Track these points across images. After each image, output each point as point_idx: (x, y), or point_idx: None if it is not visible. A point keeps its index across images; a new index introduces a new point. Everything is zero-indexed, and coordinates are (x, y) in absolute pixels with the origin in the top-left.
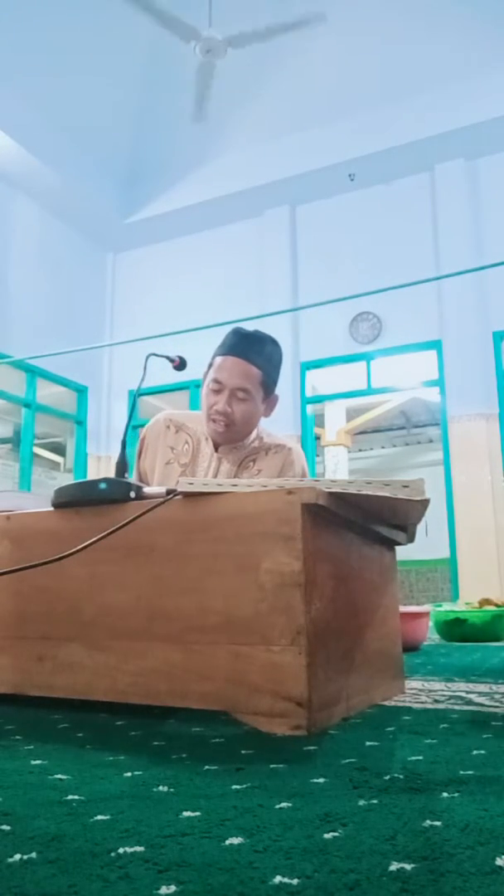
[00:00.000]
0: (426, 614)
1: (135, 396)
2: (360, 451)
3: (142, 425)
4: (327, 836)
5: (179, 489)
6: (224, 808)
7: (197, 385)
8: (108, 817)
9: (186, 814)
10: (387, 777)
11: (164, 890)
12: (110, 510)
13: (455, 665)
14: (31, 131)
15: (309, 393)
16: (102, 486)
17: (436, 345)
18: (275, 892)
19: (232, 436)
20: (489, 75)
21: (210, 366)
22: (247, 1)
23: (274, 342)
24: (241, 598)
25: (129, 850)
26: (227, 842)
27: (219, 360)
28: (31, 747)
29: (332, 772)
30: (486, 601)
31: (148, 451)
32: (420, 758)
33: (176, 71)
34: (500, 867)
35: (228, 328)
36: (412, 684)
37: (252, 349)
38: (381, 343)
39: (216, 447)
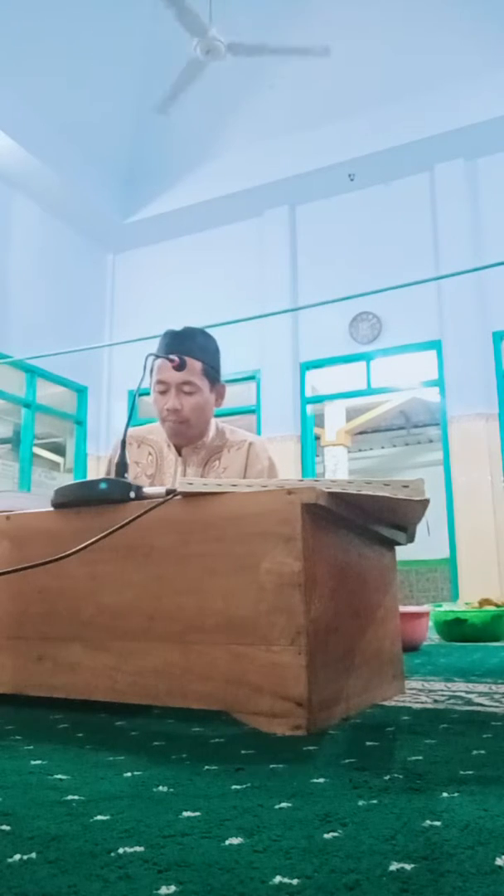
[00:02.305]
0: (426, 614)
1: (135, 396)
2: (360, 451)
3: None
4: (327, 836)
5: (179, 489)
6: (224, 808)
7: None
8: (108, 817)
9: (186, 814)
10: (387, 777)
11: (164, 890)
12: (110, 510)
13: (455, 665)
14: (31, 131)
15: (309, 393)
16: (102, 486)
17: (435, 345)
18: (275, 892)
19: (188, 431)
20: (489, 75)
21: (151, 372)
22: (248, 1)
23: (205, 334)
24: (241, 598)
25: (129, 850)
26: (227, 842)
27: (158, 362)
28: (31, 747)
29: (332, 772)
30: (486, 601)
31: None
32: (420, 758)
33: (176, 71)
34: (500, 867)
35: (228, 328)
36: (412, 684)
37: (186, 344)
38: (381, 343)
39: (179, 451)
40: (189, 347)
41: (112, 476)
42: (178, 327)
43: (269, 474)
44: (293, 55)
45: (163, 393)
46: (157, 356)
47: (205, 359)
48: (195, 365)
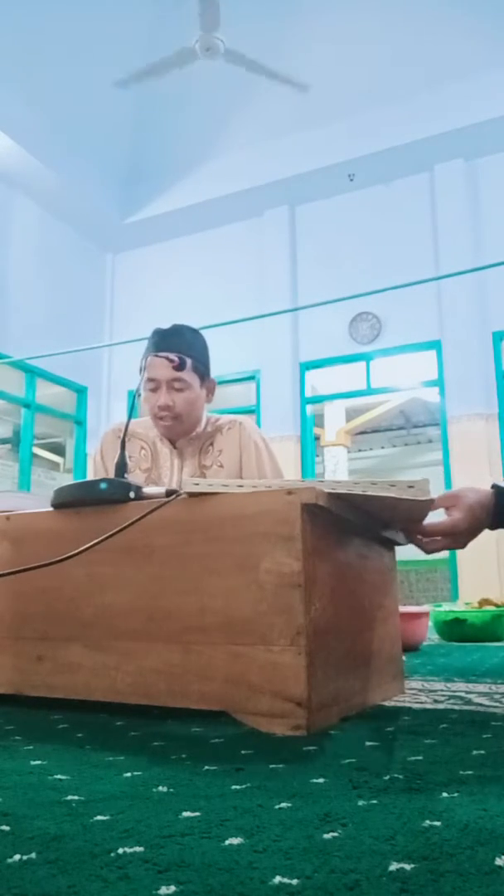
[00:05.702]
0: (426, 614)
1: (134, 396)
2: (360, 451)
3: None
4: (327, 836)
5: (183, 489)
6: (224, 809)
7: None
8: (107, 817)
9: (186, 814)
10: (386, 777)
11: (163, 890)
12: (110, 511)
13: (455, 665)
14: (31, 131)
15: (308, 393)
16: (103, 486)
17: (435, 345)
18: (275, 892)
19: (181, 427)
20: (489, 75)
21: (142, 372)
22: (249, 1)
23: (193, 330)
24: (240, 598)
25: (128, 850)
26: (227, 842)
27: (147, 361)
28: (31, 747)
29: (332, 772)
30: (486, 601)
31: (108, 465)
32: (420, 758)
33: (176, 70)
34: (500, 867)
35: (228, 328)
36: (412, 684)
37: (174, 341)
38: (381, 343)
39: (173, 444)
40: (178, 345)
41: (103, 474)
42: (165, 325)
43: (268, 455)
44: (276, 81)
45: (154, 391)
46: (157, 355)
47: (194, 355)
48: (185, 361)
